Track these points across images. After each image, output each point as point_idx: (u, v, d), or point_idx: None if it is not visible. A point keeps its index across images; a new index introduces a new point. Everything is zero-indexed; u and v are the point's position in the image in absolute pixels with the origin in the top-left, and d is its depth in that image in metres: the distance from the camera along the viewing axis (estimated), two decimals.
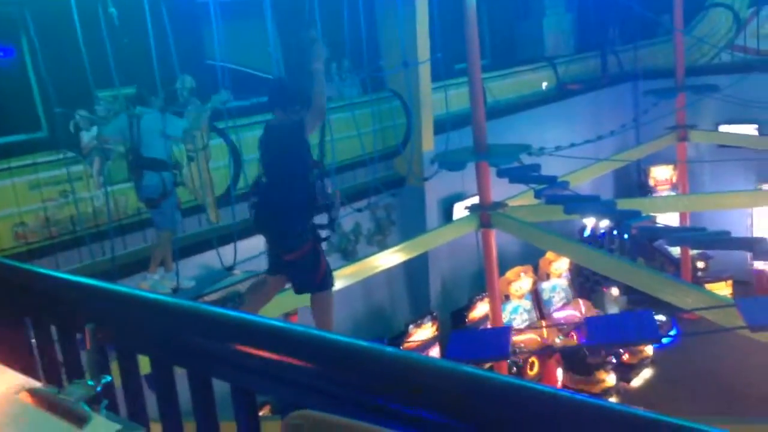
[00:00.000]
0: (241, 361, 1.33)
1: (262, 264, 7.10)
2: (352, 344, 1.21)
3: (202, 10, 6.93)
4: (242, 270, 7.07)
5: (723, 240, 5.84)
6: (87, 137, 6.51)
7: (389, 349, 1.15)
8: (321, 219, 4.98)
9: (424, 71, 8.99)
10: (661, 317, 9.58)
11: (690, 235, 6.45)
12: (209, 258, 6.80)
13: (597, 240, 10.73)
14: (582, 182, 9.40)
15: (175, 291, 6.20)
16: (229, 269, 6.89)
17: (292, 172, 4.76)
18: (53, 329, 1.62)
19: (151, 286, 6.18)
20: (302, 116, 4.73)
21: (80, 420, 1.04)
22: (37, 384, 1.19)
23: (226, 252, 6.68)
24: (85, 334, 1.27)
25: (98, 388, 1.14)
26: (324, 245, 5.09)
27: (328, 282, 4.99)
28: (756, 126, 11.30)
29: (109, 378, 1.19)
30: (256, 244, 7.05)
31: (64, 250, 6.28)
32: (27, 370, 1.42)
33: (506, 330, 6.67)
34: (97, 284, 1.55)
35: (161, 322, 1.42)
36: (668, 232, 6.78)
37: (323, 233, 4.92)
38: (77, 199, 6.43)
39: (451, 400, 1.07)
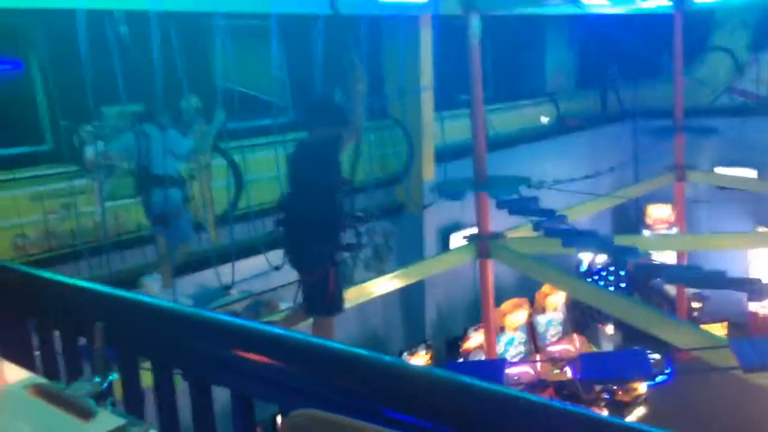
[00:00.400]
0: (239, 367, 1.36)
1: (258, 285, 7.14)
2: (350, 352, 1.24)
3: (210, 31, 7.04)
4: (239, 290, 7.09)
5: (718, 280, 5.88)
6: (91, 152, 6.57)
7: (386, 357, 1.19)
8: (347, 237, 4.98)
9: (427, 100, 9.10)
10: (655, 356, 9.56)
11: (686, 273, 6.50)
12: (207, 277, 6.82)
13: (593, 275, 10.75)
14: (580, 217, 9.47)
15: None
16: (227, 289, 6.90)
17: (321, 188, 4.79)
18: (56, 331, 1.65)
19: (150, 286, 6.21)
20: (339, 134, 4.77)
21: (86, 414, 1.06)
22: (43, 380, 1.21)
23: (224, 272, 6.70)
24: (91, 334, 1.30)
25: (104, 386, 1.16)
26: (352, 260, 5.14)
27: (334, 308, 5.01)
28: (755, 170, 11.39)
29: (115, 376, 1.22)
30: (254, 264, 7.09)
31: (64, 263, 6.29)
32: (32, 369, 1.44)
33: (502, 362, 6.67)
34: (101, 288, 1.58)
35: (163, 326, 1.45)
36: (664, 270, 6.82)
37: (341, 255, 4.92)
38: (79, 213, 6.46)
39: (443, 405, 1.10)
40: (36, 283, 1.64)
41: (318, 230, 4.81)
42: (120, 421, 1.06)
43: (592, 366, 4.90)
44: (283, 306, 7.01)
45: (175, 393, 1.47)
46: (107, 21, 6.03)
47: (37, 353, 1.64)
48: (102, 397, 1.14)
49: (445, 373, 1.19)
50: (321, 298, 4.91)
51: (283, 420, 1.00)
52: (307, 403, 1.22)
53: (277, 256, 7.00)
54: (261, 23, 7.63)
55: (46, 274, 1.71)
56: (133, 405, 1.44)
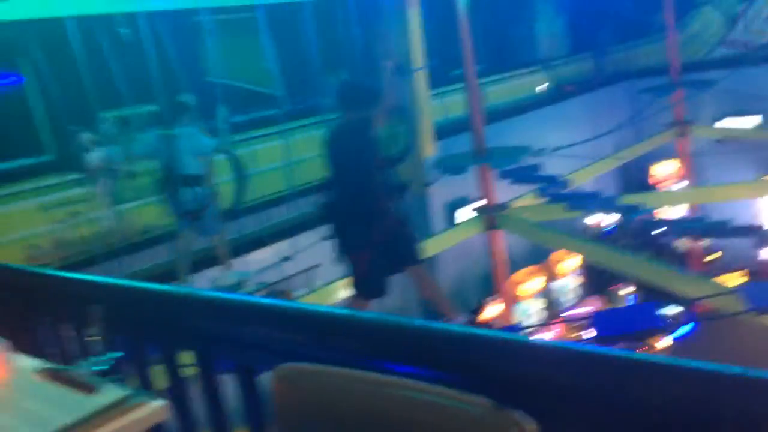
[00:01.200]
0: (238, 339, 1.41)
1: (271, 276, 7.22)
2: (342, 314, 1.29)
3: (198, 27, 7.08)
4: (255, 282, 7.18)
5: (722, 229, 5.87)
6: (93, 158, 6.65)
7: (374, 314, 1.23)
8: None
9: (420, 78, 9.10)
10: (674, 309, 9.55)
11: (689, 225, 6.49)
12: (218, 273, 6.90)
13: (602, 238, 10.73)
14: (584, 181, 9.45)
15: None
16: (239, 284, 6.99)
17: (359, 170, 4.81)
18: (61, 323, 1.71)
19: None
20: (372, 114, 4.80)
21: (90, 389, 1.12)
22: (50, 365, 1.27)
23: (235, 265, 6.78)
24: (90, 319, 1.35)
25: (106, 365, 1.22)
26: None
27: (371, 291, 5.03)
28: (761, 116, 11.30)
29: (118, 354, 1.27)
30: (264, 256, 7.17)
31: (77, 271, 6.38)
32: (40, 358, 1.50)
33: (515, 329, 6.70)
34: (100, 279, 1.64)
35: (162, 308, 1.51)
36: (668, 224, 6.81)
37: (380, 237, 4.90)
38: (87, 220, 6.56)
39: (442, 354, 1.13)
40: (37, 280, 1.70)
41: (356, 213, 4.85)
42: (123, 393, 1.11)
43: (606, 323, 4.92)
44: (297, 294, 7.10)
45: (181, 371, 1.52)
46: (97, 27, 6.08)
47: (41, 341, 1.70)
48: (106, 374, 1.19)
49: (441, 325, 1.24)
50: (359, 280, 4.96)
51: (272, 374, 1.04)
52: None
53: (285, 247, 7.09)
54: (248, 15, 7.66)
55: (47, 270, 1.77)
56: (140, 382, 1.49)
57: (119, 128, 6.96)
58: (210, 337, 1.46)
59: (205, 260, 6.71)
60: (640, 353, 1.08)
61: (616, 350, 1.03)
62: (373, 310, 5.93)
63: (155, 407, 1.10)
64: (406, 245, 5.10)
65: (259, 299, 1.41)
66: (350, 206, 4.82)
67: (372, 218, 4.85)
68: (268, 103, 7.66)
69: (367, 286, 5.02)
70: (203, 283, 6.58)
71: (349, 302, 5.33)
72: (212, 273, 6.72)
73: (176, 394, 1.50)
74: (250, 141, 7.36)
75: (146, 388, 1.53)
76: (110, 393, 1.11)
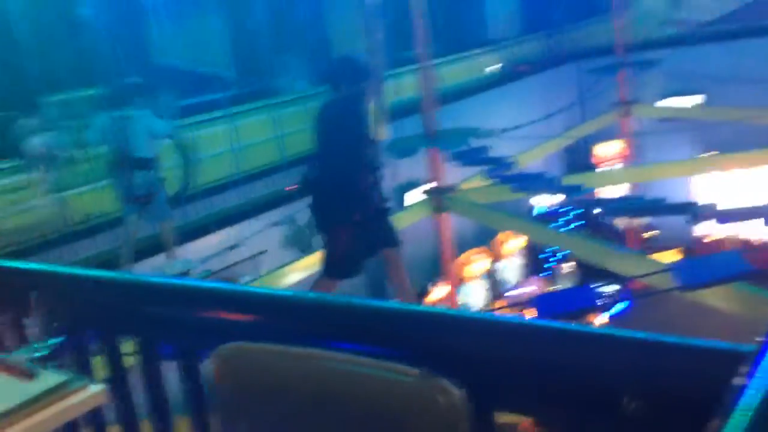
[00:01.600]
0: (181, 324, 1.44)
1: (217, 264, 7.17)
2: (282, 295, 1.33)
3: (145, 7, 6.92)
4: (201, 270, 7.12)
5: (656, 207, 6.10)
6: (32, 144, 6.47)
7: (313, 294, 1.28)
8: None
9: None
10: (614, 287, 9.90)
11: (625, 204, 6.72)
12: (162, 261, 6.82)
13: (547, 217, 11.00)
14: (531, 162, 9.63)
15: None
16: (186, 272, 6.92)
17: (349, 146, 4.78)
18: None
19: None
20: (364, 89, 4.77)
21: (28, 375, 1.13)
22: None
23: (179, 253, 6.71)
24: (28, 306, 1.36)
25: (45, 351, 1.23)
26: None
27: (342, 271, 5.01)
28: (703, 96, 11.65)
29: (57, 340, 1.28)
30: (211, 243, 7.11)
31: (16, 260, 6.21)
32: None
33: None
34: (36, 266, 1.64)
35: (101, 294, 1.52)
36: (606, 203, 7.05)
37: (362, 216, 4.89)
38: (27, 208, 6.38)
39: (377, 331, 1.19)
40: None
41: (341, 189, 4.83)
42: (61, 378, 1.13)
43: (547, 305, 5.10)
44: (243, 280, 7.07)
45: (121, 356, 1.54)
46: (38, 7, 5.88)
47: None
48: (44, 360, 1.21)
49: (384, 302, 1.29)
50: (333, 258, 4.94)
51: (212, 353, 1.08)
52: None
53: (231, 234, 7.05)
54: None
55: None
56: (79, 368, 1.50)
57: (62, 112, 6.79)
58: (150, 321, 1.48)
59: (149, 248, 6.62)
60: (565, 324, 1.16)
61: (537, 320, 1.10)
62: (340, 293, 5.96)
63: (94, 391, 1.12)
64: (385, 227, 5.13)
65: (200, 282, 1.43)
66: (336, 182, 4.79)
67: (356, 196, 4.85)
68: (217, 85, 7.56)
69: (341, 266, 5.01)
70: (147, 272, 6.50)
71: (316, 282, 5.29)
72: (156, 261, 6.64)
73: (117, 379, 1.51)
74: (198, 125, 7.26)
75: (87, 374, 1.54)
76: (49, 378, 1.13)
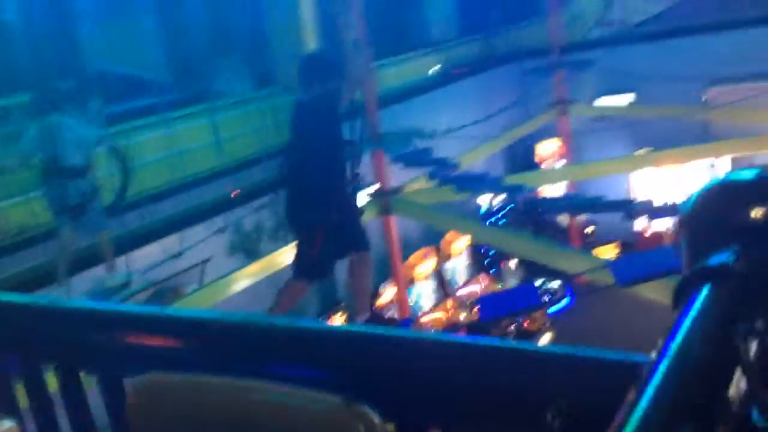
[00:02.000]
0: (107, 349, 1.38)
1: (159, 274, 6.98)
2: (208, 317, 1.29)
3: (74, 9, 6.70)
4: (141, 281, 6.92)
5: (595, 204, 6.29)
6: None
7: (242, 315, 1.24)
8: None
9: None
10: (555, 283, 10.13)
11: (566, 202, 6.89)
12: (101, 273, 6.61)
13: (491, 216, 11.18)
14: (474, 162, 9.76)
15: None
16: (127, 284, 6.72)
17: (323, 147, 4.69)
18: None
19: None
20: (338, 87, 4.64)
21: None
22: None
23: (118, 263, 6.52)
24: None
25: None
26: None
27: (315, 272, 4.97)
28: (633, 94, 12.05)
29: None
30: (151, 252, 6.93)
31: None
32: None
33: (406, 323, 6.86)
34: None
35: (21, 319, 1.45)
36: (547, 202, 7.21)
37: (335, 218, 4.84)
38: None
39: (311, 354, 1.16)
40: None
41: (317, 191, 4.75)
42: None
43: (490, 306, 5.20)
44: (188, 290, 6.92)
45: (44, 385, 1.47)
46: None
47: None
48: None
49: (312, 322, 1.27)
50: (305, 259, 4.88)
51: (130, 386, 1.04)
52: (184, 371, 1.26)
53: (172, 242, 6.89)
54: None
55: None
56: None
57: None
58: (72, 347, 1.42)
59: (87, 259, 6.41)
60: (488, 340, 1.16)
61: (464, 337, 1.10)
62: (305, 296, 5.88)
63: (3, 429, 1.06)
64: (357, 229, 5.11)
65: (119, 306, 1.38)
66: (311, 183, 4.75)
67: (332, 197, 4.81)
68: (152, 89, 7.37)
69: (314, 267, 4.98)
70: (86, 285, 6.29)
71: (286, 284, 5.23)
72: (95, 273, 6.43)
73: (37, 409, 1.45)
74: (133, 131, 7.06)
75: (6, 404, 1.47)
76: None
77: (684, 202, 0.76)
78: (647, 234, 11.43)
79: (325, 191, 4.84)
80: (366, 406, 0.94)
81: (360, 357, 1.08)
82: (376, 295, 9.37)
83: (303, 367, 1.14)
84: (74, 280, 6.16)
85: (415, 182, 8.75)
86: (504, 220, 10.97)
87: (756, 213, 0.67)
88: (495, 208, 11.26)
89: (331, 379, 1.10)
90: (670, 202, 6.67)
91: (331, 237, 4.91)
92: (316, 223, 4.88)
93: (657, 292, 5.29)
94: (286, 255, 7.65)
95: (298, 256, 5.06)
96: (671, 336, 0.59)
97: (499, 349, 1.10)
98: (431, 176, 7.63)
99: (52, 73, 6.22)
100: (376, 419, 0.91)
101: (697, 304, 0.61)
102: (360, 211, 5.24)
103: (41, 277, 6.18)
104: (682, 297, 0.64)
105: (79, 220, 6.20)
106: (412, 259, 9.72)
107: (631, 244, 11.44)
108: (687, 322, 0.60)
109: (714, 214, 0.72)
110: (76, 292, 6.12)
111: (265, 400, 0.97)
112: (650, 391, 0.56)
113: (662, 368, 0.57)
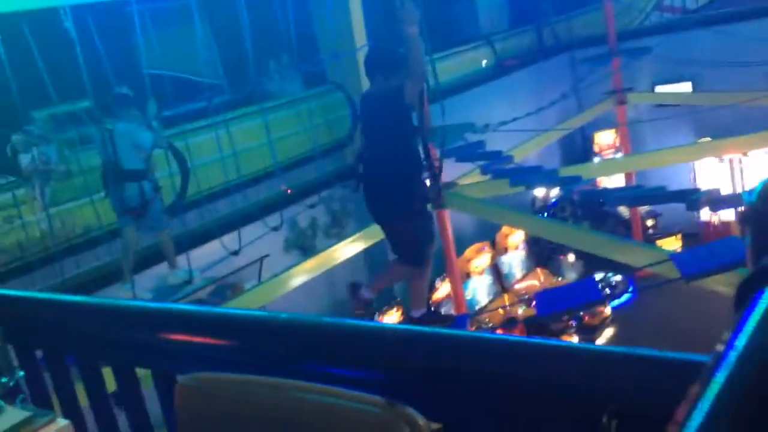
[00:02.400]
0: (161, 348, 1.40)
1: (219, 271, 7.14)
2: (255, 316, 1.29)
3: (133, 18, 6.89)
4: (202, 278, 7.09)
5: (657, 195, 6.07)
6: (26, 160, 6.45)
7: (288, 315, 1.24)
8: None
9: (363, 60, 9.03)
10: (617, 277, 9.86)
11: (626, 193, 6.68)
12: (164, 271, 6.80)
13: (548, 210, 10.97)
14: (528, 155, 9.59)
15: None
16: (189, 281, 6.89)
17: (394, 139, 4.75)
18: None
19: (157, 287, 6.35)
20: (401, 82, 4.66)
21: None
22: None
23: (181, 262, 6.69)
24: None
25: (11, 383, 1.19)
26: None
27: (419, 256, 5.02)
28: (690, 83, 11.65)
29: (21, 373, 1.25)
30: (211, 250, 7.09)
31: (16, 277, 6.20)
32: None
33: (462, 319, 6.75)
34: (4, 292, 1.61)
35: (55, 317, 1.48)
36: (606, 193, 7.01)
37: (422, 203, 4.93)
38: (23, 224, 6.37)
39: (358, 354, 1.15)
40: None
41: (396, 180, 4.83)
42: (26, 414, 1.09)
43: (548, 302, 5.09)
44: (247, 286, 7.05)
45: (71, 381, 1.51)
46: (21, 23, 5.85)
47: None
48: (10, 394, 1.17)
49: (360, 322, 1.25)
50: (407, 247, 4.96)
51: (177, 384, 1.04)
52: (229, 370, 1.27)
53: (231, 240, 7.03)
54: (182, 2, 7.48)
55: None
56: (38, 398, 1.46)
57: (53, 126, 6.78)
58: (126, 348, 1.45)
59: (150, 258, 6.60)
60: (537, 339, 1.12)
61: (511, 336, 1.06)
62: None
63: (58, 427, 1.09)
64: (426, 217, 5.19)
65: (171, 305, 1.40)
66: (387, 175, 4.83)
67: (410, 186, 4.86)
68: (207, 92, 7.52)
69: (417, 251, 5.02)
70: (150, 283, 6.49)
71: (391, 266, 5.31)
72: (157, 271, 6.62)
73: (97, 407, 1.48)
74: (189, 133, 7.23)
75: (45, 401, 1.51)
76: (13, 416, 1.10)
77: (748, 193, 0.71)
78: (713, 225, 11.01)
79: (402, 182, 4.88)
80: (409, 407, 0.92)
81: (405, 357, 1.05)
82: (431, 289, 9.33)
83: (348, 367, 1.13)
84: (138, 278, 6.35)
85: (468, 176, 8.66)
86: (560, 213, 10.77)
87: None
88: (551, 201, 11.06)
89: (376, 378, 1.08)
90: (735, 192, 6.39)
91: (417, 223, 4.99)
92: (399, 213, 4.95)
93: (724, 285, 5.08)
94: (340, 251, 7.72)
95: (394, 244, 5.14)
96: (733, 337, 0.55)
97: (551, 348, 1.06)
98: (484, 170, 7.53)
99: (109, 79, 6.42)
100: (421, 420, 0.89)
101: (762, 306, 0.57)
102: (429, 199, 5.28)
103: (106, 276, 6.40)
104: (745, 297, 0.59)
105: (141, 221, 6.41)
106: (467, 253, 9.64)
107: (696, 235, 11.04)
108: (750, 324, 0.56)
109: None
110: (140, 290, 6.32)
111: (309, 400, 0.96)
112: (711, 392, 0.53)
113: (724, 371, 0.54)
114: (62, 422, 1.10)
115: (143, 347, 1.46)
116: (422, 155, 4.99)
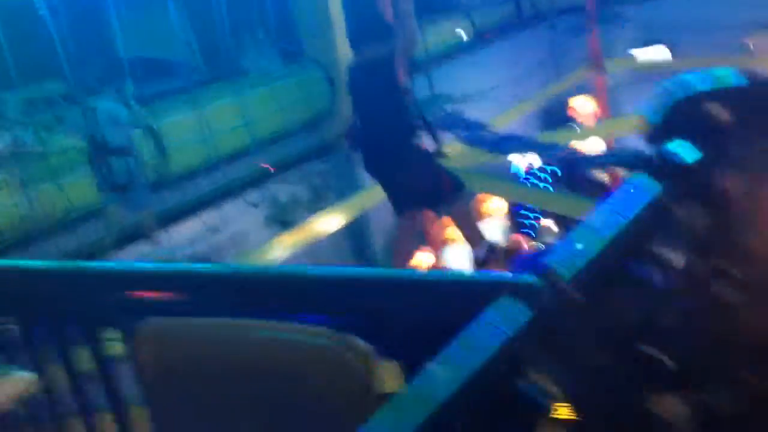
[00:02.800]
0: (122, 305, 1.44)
1: (200, 248, 7.16)
2: (211, 270, 1.33)
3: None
4: (185, 255, 7.11)
5: (634, 159, 6.12)
6: (1, 144, 6.40)
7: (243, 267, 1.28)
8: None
9: (341, 34, 8.98)
10: None
11: (602, 158, 6.76)
12: (146, 248, 6.81)
13: (528, 177, 11.00)
14: (509, 123, 9.61)
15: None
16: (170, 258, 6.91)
17: (387, 110, 4.67)
18: None
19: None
20: (390, 49, 4.45)
21: None
22: None
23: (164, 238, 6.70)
24: None
25: None
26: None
27: (436, 195, 5.01)
28: (669, 46, 11.68)
29: None
30: (192, 228, 7.11)
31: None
32: None
33: None
34: None
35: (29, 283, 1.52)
36: (582, 158, 7.08)
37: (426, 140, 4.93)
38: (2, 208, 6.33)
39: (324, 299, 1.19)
40: None
41: (397, 134, 4.79)
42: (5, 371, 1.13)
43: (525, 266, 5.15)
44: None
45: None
46: None
47: None
48: None
49: (300, 267, 1.30)
50: (435, 188, 4.89)
51: (135, 336, 1.08)
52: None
53: (212, 217, 7.05)
54: None
55: None
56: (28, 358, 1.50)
57: (25, 109, 6.73)
58: (88, 307, 1.48)
59: (130, 236, 6.61)
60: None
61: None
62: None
63: (23, 379, 1.13)
64: (441, 173, 5.21)
65: (133, 264, 1.44)
66: (381, 144, 4.80)
67: (414, 132, 4.83)
68: (181, 71, 7.48)
69: (434, 190, 5.04)
70: (131, 259, 6.49)
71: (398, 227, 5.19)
72: (139, 248, 6.64)
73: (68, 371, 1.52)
74: (164, 111, 7.20)
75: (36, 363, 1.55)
76: None
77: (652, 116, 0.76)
78: None
79: (408, 130, 4.86)
80: (356, 337, 0.96)
81: (347, 299, 1.10)
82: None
83: (301, 313, 1.17)
84: (120, 255, 6.38)
85: (447, 146, 8.67)
86: (541, 179, 10.79)
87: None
88: (531, 169, 11.08)
89: (328, 323, 1.12)
90: None
91: (428, 162, 4.97)
92: (417, 156, 4.96)
93: None
94: (320, 223, 7.75)
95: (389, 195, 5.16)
96: None
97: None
98: (462, 139, 7.57)
99: (84, 60, 6.39)
100: (364, 346, 0.94)
101: None
102: (439, 155, 5.24)
103: (90, 256, 6.39)
104: None
105: (128, 197, 6.44)
106: (444, 221, 9.66)
107: None
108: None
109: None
110: None
111: (259, 335, 1.01)
112: None
113: None
114: (26, 375, 1.14)
115: (105, 307, 1.50)
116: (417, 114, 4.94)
